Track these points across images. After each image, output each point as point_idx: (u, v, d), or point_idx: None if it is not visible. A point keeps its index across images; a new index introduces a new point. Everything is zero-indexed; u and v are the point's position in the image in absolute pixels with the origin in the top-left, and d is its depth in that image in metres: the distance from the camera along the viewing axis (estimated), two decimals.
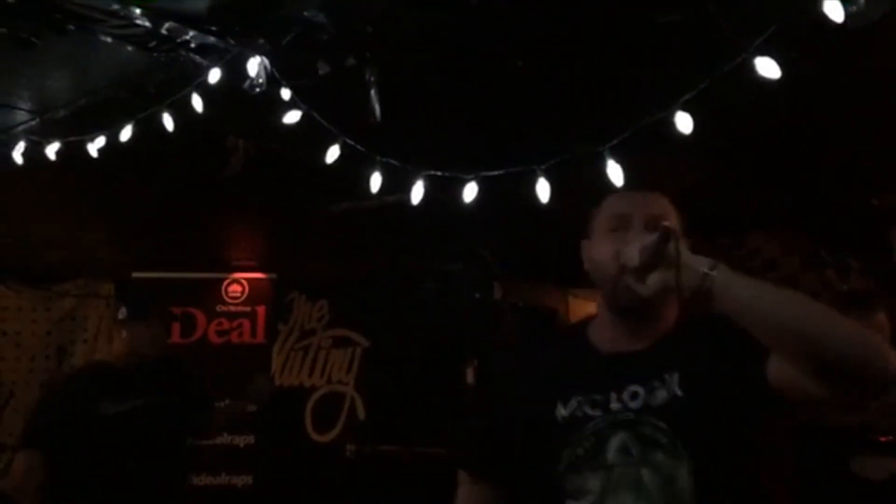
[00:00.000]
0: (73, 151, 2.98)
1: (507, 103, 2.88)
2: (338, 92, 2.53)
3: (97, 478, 2.92)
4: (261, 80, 2.47)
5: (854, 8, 1.98)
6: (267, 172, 3.45)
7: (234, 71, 2.48)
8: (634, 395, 1.45)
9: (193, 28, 2.37)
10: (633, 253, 1.38)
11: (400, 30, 2.41)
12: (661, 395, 1.43)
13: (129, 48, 2.45)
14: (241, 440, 5.57)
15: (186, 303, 5.64)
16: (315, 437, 6.07)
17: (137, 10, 2.27)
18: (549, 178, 2.53)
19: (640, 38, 2.42)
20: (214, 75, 2.50)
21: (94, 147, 2.90)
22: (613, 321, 1.54)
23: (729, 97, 2.15)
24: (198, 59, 2.48)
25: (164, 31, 2.36)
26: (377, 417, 5.88)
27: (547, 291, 6.23)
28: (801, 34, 2.02)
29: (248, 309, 5.89)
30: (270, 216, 4.70)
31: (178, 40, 2.40)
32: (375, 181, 2.70)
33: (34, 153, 3.06)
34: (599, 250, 1.52)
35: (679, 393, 1.42)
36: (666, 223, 1.37)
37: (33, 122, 3.07)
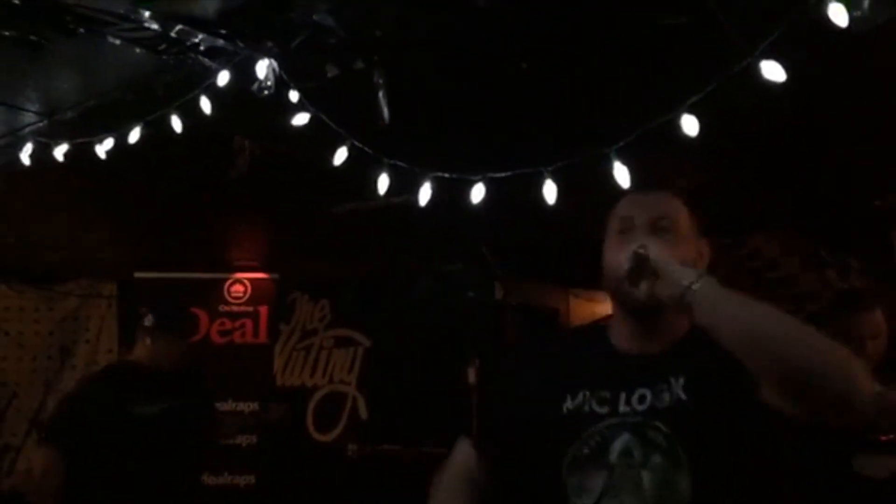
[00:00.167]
0: (79, 153, 2.99)
1: (513, 105, 2.89)
2: (346, 94, 2.54)
3: (120, 478, 2.92)
4: (269, 83, 2.48)
5: (858, 12, 2.00)
6: (272, 174, 3.46)
7: (243, 73, 2.49)
8: (642, 399, 1.46)
9: (203, 31, 2.38)
10: (624, 258, 1.41)
11: (408, 33, 2.42)
12: (665, 398, 1.44)
13: (138, 50, 2.47)
14: (244, 440, 5.57)
15: (189, 303, 5.60)
16: (317, 436, 6.08)
17: (147, 14, 2.29)
18: (555, 180, 2.55)
19: (646, 41, 2.43)
20: (223, 78, 2.51)
21: (102, 149, 2.91)
22: (626, 320, 1.55)
23: (733, 100, 2.17)
24: (207, 61, 2.50)
25: (173, 35, 2.37)
26: (379, 417, 5.89)
27: (548, 291, 6.23)
28: (805, 38, 2.04)
29: (250, 309, 5.90)
30: (273, 217, 4.70)
31: (188, 43, 2.41)
32: (383, 183, 2.72)
33: (42, 154, 3.07)
34: (607, 252, 1.53)
35: (683, 397, 1.42)
36: (640, 248, 1.40)
37: (41, 124, 3.08)
